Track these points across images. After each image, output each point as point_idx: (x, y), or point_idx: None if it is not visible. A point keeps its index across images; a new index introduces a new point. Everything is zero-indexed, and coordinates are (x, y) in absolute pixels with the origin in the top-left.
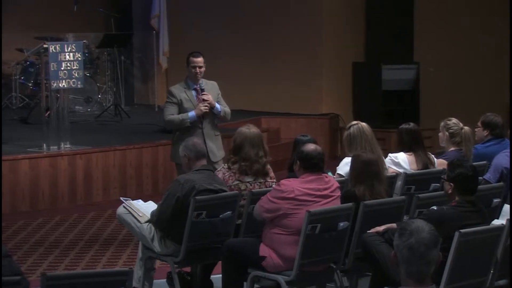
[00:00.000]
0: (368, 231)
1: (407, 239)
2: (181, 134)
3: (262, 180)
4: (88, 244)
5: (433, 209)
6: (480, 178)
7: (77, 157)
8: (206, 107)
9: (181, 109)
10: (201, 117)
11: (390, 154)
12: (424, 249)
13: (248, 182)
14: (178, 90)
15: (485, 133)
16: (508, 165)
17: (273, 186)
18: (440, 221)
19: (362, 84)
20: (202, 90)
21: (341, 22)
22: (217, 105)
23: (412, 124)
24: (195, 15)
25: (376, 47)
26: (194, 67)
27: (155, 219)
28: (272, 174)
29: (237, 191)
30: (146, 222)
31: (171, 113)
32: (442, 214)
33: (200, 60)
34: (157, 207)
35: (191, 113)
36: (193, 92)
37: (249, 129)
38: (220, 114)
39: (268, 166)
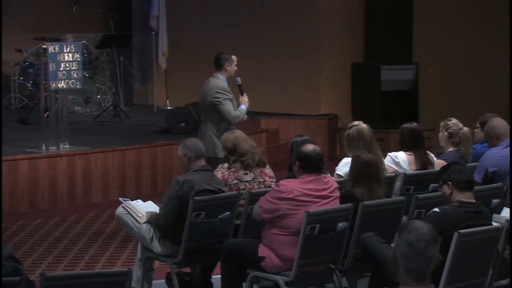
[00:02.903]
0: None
1: (407, 235)
2: (218, 128)
3: (261, 180)
4: (87, 244)
5: (435, 211)
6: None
7: (76, 157)
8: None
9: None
10: None
11: (389, 153)
12: (424, 245)
13: (247, 181)
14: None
15: (484, 133)
16: (494, 167)
17: (273, 186)
18: (445, 221)
19: (361, 85)
20: (240, 85)
21: (340, 22)
22: None
23: (414, 124)
24: (194, 15)
25: (375, 47)
26: (236, 64)
27: (161, 222)
28: (271, 172)
29: (236, 191)
30: (145, 222)
31: (232, 109)
32: (446, 214)
33: None
34: (160, 210)
35: (244, 108)
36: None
37: (232, 131)
38: None
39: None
